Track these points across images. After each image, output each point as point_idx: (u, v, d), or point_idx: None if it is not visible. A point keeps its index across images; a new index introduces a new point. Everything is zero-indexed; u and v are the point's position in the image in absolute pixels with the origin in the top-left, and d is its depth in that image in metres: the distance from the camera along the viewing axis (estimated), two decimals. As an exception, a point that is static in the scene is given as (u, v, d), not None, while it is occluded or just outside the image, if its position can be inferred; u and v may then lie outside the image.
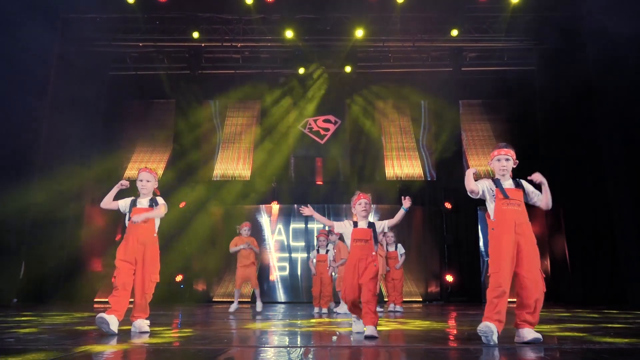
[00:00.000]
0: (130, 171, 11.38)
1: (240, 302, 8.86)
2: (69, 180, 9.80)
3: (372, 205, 4.02)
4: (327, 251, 7.12)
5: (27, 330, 3.96)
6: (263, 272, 10.58)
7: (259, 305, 7.17)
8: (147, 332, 3.81)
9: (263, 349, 2.94)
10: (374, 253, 3.78)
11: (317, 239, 7.21)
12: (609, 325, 4.43)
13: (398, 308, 7.45)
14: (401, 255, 7.75)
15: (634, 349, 2.83)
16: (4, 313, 6.18)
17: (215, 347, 2.95)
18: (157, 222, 3.99)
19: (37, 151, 9.10)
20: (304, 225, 10.80)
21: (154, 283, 3.86)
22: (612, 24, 8.69)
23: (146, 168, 4.05)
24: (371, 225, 3.91)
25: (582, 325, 4.36)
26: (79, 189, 10.13)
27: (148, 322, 3.94)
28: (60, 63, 9.86)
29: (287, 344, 3.23)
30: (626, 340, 3.20)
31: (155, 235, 3.93)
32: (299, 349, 2.92)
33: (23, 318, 5.34)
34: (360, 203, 3.96)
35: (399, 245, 7.85)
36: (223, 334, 3.76)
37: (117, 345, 3.04)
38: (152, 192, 4.05)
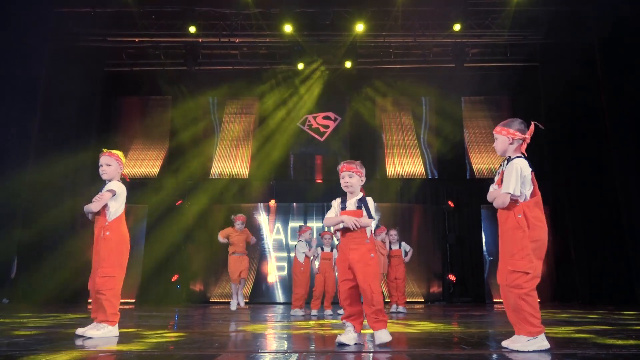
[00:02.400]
0: (126, 169, 11.10)
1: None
2: (64, 177, 9.57)
3: (361, 179, 3.28)
4: (332, 249, 6.77)
5: (15, 332, 3.72)
6: (262, 272, 10.33)
7: (233, 304, 6.74)
8: (89, 337, 3.29)
9: (257, 354, 2.70)
10: (367, 241, 3.11)
11: (322, 237, 6.85)
12: (628, 327, 4.20)
13: (401, 309, 7.22)
14: (406, 252, 7.51)
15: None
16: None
17: (205, 352, 2.71)
18: (112, 210, 3.52)
19: (30, 148, 8.88)
20: (303, 224, 10.55)
21: (106, 279, 3.37)
22: (618, 18, 8.50)
23: (106, 151, 3.67)
24: (362, 202, 3.16)
25: (598, 327, 4.13)
26: (73, 186, 9.89)
27: (104, 326, 3.38)
28: (54, 58, 9.64)
29: (285, 348, 2.99)
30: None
31: (106, 224, 3.48)
32: (296, 354, 2.68)
33: (7, 320, 5.10)
34: (342, 177, 3.23)
35: (403, 242, 7.60)
36: (216, 337, 3.52)
37: (99, 350, 2.80)
38: (120, 176, 3.67)
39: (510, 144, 2.86)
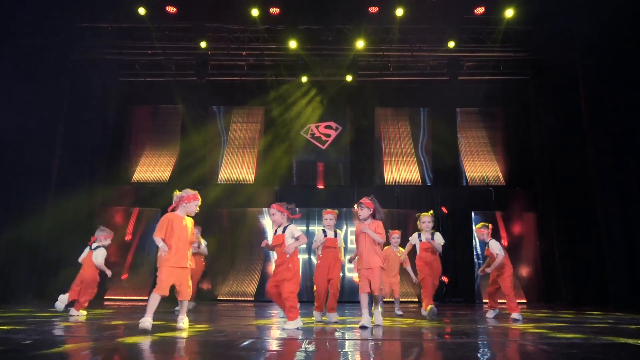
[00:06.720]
0: (138, 174, 11.83)
1: (238, 301, 9.33)
2: (81, 182, 10.26)
3: (283, 215, 5.21)
4: (336, 234, 5.71)
5: (68, 323, 4.40)
6: (266, 272, 11.01)
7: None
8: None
9: (273, 340, 3.38)
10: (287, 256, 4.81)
11: (323, 217, 5.79)
12: (585, 325, 4.86)
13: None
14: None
15: (586, 343, 3.27)
16: (29, 310, 6.62)
17: (233, 338, 3.39)
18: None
19: (53, 157, 9.50)
20: (305, 228, 11.22)
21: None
22: (603, 36, 9.11)
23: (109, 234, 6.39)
24: (285, 229, 5.18)
25: (557, 324, 4.79)
26: (89, 190, 10.59)
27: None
28: (74, 70, 10.28)
29: (286, 337, 3.67)
30: (584, 336, 3.64)
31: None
32: (300, 340, 3.36)
33: (54, 314, 5.78)
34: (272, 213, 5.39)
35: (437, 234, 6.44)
36: (236, 328, 4.20)
37: (151, 337, 3.48)
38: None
39: None
